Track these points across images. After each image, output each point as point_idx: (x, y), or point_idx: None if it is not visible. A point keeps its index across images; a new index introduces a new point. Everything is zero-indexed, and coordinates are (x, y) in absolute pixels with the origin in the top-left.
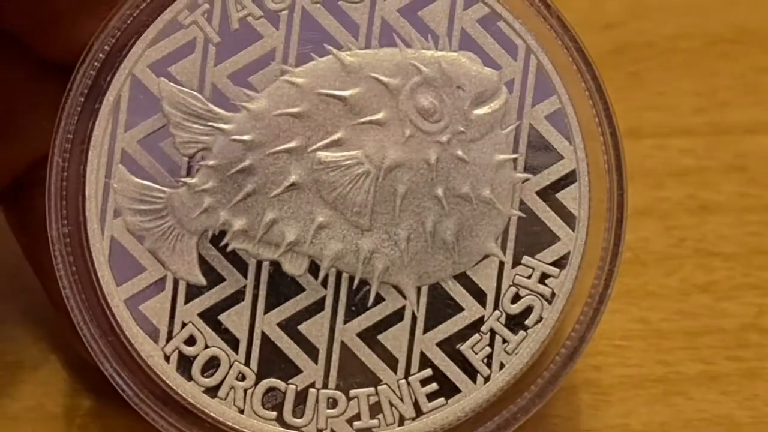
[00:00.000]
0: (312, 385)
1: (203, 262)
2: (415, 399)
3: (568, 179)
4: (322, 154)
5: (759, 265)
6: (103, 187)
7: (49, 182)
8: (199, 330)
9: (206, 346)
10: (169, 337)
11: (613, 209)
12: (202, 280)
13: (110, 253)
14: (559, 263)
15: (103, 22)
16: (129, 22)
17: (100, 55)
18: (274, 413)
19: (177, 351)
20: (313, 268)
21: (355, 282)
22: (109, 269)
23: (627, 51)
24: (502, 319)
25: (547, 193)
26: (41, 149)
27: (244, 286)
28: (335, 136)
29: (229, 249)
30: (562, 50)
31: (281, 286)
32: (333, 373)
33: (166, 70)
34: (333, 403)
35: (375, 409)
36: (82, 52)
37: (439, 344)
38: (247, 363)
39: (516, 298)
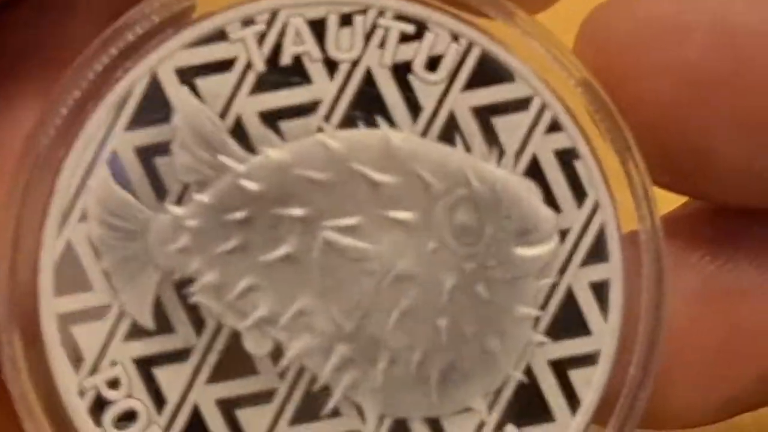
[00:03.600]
0: None
1: (158, 305)
2: None
3: (589, 361)
4: (331, 235)
5: None
6: (78, 183)
7: (24, 153)
8: (128, 375)
9: (128, 396)
10: (93, 371)
11: (625, 410)
12: (150, 324)
13: (60, 257)
14: None
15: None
16: (167, 13)
17: (130, 36)
18: None
19: (95, 389)
20: (275, 354)
21: (316, 385)
22: (52, 274)
23: None
24: None
25: (559, 367)
26: None
27: (194, 347)
28: (352, 221)
29: (191, 300)
30: (634, 218)
31: (234, 361)
32: None
33: (193, 80)
34: None
35: None
36: None
37: None
38: (166, 430)
39: None
